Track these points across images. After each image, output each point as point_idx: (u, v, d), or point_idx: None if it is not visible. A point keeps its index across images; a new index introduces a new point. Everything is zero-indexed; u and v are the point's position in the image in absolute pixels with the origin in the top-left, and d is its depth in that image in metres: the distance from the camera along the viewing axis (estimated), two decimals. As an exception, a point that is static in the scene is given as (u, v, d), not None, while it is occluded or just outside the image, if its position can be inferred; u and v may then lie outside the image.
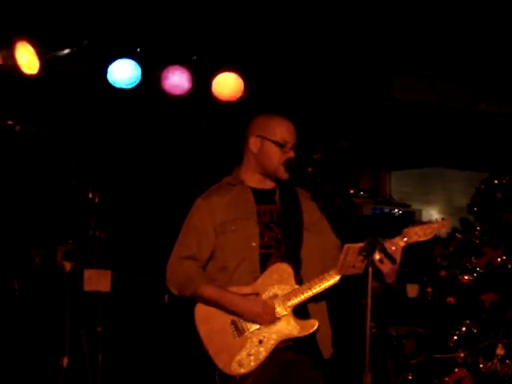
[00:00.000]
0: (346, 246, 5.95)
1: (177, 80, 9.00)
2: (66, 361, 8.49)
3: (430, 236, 6.16)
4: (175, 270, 6.06)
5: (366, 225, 6.15)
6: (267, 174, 6.12)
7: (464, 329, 9.21)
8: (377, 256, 5.77)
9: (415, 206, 10.15)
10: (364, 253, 5.73)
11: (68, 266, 8.67)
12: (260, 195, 6.14)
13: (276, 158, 6.01)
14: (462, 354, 9.10)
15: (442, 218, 6.35)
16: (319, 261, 6.16)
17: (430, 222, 6.31)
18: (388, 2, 9.03)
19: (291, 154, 6.04)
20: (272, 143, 6.02)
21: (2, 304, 9.05)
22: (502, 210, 9.51)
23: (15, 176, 9.14)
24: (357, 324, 6.40)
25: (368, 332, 5.70)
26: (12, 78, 8.83)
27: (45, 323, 8.91)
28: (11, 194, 9.12)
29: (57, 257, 8.77)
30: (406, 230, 6.05)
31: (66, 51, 8.78)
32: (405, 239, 6.05)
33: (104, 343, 8.87)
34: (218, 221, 6.05)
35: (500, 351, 9.01)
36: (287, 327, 5.96)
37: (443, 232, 6.44)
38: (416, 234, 6.08)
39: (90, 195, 8.63)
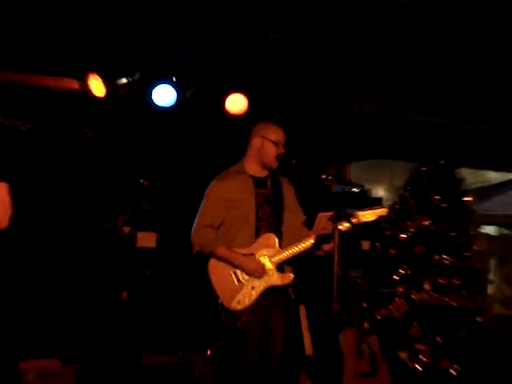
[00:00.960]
0: (320, 214, 6.18)
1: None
2: (124, 295, 8.58)
3: (373, 219, 6.32)
4: (198, 235, 6.26)
5: (333, 200, 6.34)
6: (264, 165, 6.35)
7: (402, 271, 9.33)
8: (342, 223, 5.99)
9: (367, 186, 10.20)
10: (332, 219, 5.88)
11: (126, 229, 8.79)
12: (257, 181, 6.38)
13: (272, 152, 6.27)
14: (401, 289, 9.24)
15: (378, 207, 6.49)
16: (294, 232, 6.37)
17: (375, 207, 6.43)
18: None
19: (282, 151, 6.21)
20: (270, 142, 6.23)
21: (81, 255, 9.18)
22: (427, 189, 9.63)
23: (93, 169, 9.22)
24: (326, 271, 6.48)
25: (335, 275, 5.89)
26: (87, 99, 8.82)
27: (110, 269, 9.00)
28: (90, 182, 9.22)
29: (118, 223, 8.83)
30: (357, 212, 6.20)
31: (124, 80, 8.85)
32: (355, 220, 6.15)
33: (152, 283, 8.97)
34: (227, 199, 6.28)
35: (427, 286, 9.17)
36: (272, 278, 6.21)
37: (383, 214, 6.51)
38: (364, 217, 6.22)
39: (142, 181, 8.69)
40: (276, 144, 6.29)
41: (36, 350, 7.21)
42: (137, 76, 8.90)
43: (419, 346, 9.13)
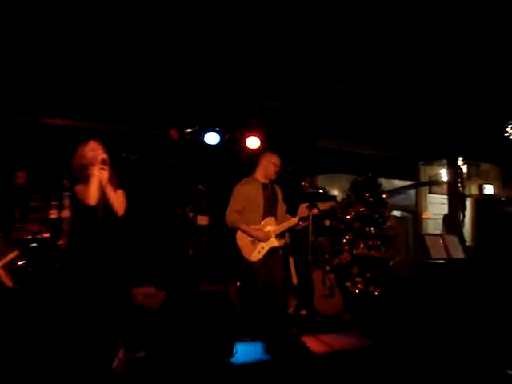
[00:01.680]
0: (301, 205, 6.26)
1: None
2: (191, 251, 8.52)
3: (328, 208, 6.40)
4: (229, 217, 6.34)
5: (308, 197, 6.36)
6: (267, 177, 6.36)
7: (347, 237, 9.28)
8: (313, 210, 6.03)
9: (328, 189, 10.13)
10: (308, 207, 5.93)
11: (191, 214, 8.74)
12: (263, 186, 6.36)
13: (273, 170, 6.28)
14: (347, 247, 9.20)
15: (332, 200, 6.60)
16: (282, 216, 6.43)
17: (329, 201, 6.57)
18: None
19: (279, 169, 6.23)
20: (272, 164, 6.23)
21: (165, 230, 9.15)
22: (362, 190, 9.59)
23: (173, 180, 9.20)
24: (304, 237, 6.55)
25: (310, 239, 5.92)
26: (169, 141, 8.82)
27: (182, 237, 8.93)
28: (171, 188, 9.21)
29: (187, 211, 8.79)
30: (320, 204, 6.29)
31: (189, 130, 8.84)
32: (321, 207, 6.35)
33: (206, 245, 8.94)
34: (246, 196, 6.34)
35: (361, 245, 9.15)
36: (273, 242, 6.15)
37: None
38: (322, 207, 6.24)
39: (200, 187, 8.65)
40: (275, 165, 6.36)
41: (140, 281, 7.18)
42: (196, 127, 8.91)
43: (357, 279, 9.09)
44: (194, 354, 5.24)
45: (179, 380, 4.87)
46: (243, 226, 6.23)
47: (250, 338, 6.07)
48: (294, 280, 7.77)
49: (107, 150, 5.35)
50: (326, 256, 8.92)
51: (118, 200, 5.30)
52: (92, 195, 5.16)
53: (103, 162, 5.20)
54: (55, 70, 7.43)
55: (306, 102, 8.66)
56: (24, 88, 7.84)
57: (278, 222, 6.34)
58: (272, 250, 6.26)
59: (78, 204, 5.29)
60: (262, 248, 6.19)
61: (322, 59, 7.21)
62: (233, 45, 6.86)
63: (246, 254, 6.21)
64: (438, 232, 12.27)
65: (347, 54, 7.06)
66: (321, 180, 11.35)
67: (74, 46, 6.80)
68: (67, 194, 6.86)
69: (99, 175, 5.16)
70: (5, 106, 8.20)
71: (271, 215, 6.33)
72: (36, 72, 7.47)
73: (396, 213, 13.37)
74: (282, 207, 6.50)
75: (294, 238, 6.85)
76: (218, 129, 8.71)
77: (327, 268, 8.20)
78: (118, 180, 5.38)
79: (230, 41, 6.76)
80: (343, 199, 9.82)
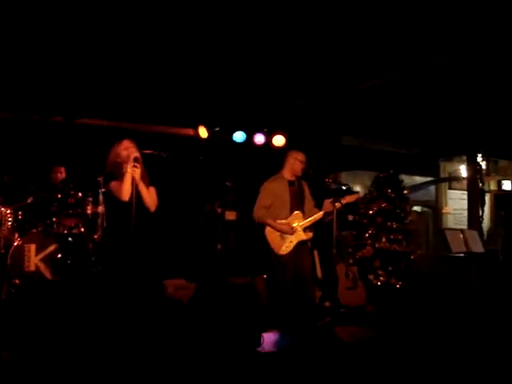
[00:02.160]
0: (325, 200, 6.27)
1: (259, 138, 9.05)
2: (219, 246, 8.55)
3: (353, 200, 6.31)
4: (257, 212, 6.39)
5: (332, 193, 6.38)
6: (293, 173, 6.35)
7: (370, 231, 9.27)
8: (336, 204, 6.04)
9: (351, 185, 10.15)
10: (332, 202, 5.94)
11: (219, 210, 8.76)
12: (290, 183, 6.38)
13: (299, 167, 6.24)
14: (369, 241, 9.18)
15: (355, 193, 6.65)
16: (310, 211, 6.35)
17: (353, 194, 6.59)
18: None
19: (304, 166, 6.23)
20: (298, 161, 6.23)
21: (196, 225, 9.21)
22: (384, 186, 9.55)
23: (202, 177, 9.21)
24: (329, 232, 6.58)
25: (334, 234, 5.92)
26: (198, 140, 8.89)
27: (211, 231, 9.00)
28: (200, 184, 9.23)
29: (215, 207, 8.82)
30: (345, 197, 6.30)
31: (217, 129, 8.86)
32: (344, 200, 6.20)
33: (233, 239, 8.95)
34: (273, 193, 6.36)
35: (383, 239, 9.10)
36: (301, 235, 6.14)
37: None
38: (347, 199, 6.24)
39: (228, 183, 8.66)
40: (301, 162, 6.37)
41: (171, 274, 7.22)
42: (224, 126, 8.94)
43: (379, 272, 9.08)
44: (224, 344, 5.29)
45: (209, 368, 4.90)
46: (270, 221, 6.27)
47: (278, 328, 6.11)
48: (319, 273, 7.80)
49: (140, 148, 5.44)
50: (350, 250, 8.89)
51: (150, 197, 5.38)
52: (125, 192, 5.24)
53: (136, 159, 5.29)
54: (88, 72, 7.48)
55: (329, 101, 8.63)
56: (59, 90, 7.90)
57: (306, 217, 6.37)
58: (300, 243, 6.29)
59: (112, 200, 5.37)
60: (291, 242, 6.24)
61: (346, 59, 7.17)
62: (257, 44, 6.79)
63: (275, 247, 6.26)
64: (458, 227, 12.21)
65: (369, 53, 6.99)
66: (344, 176, 11.31)
67: (105, 47, 6.82)
68: (102, 190, 6.98)
69: (132, 172, 5.25)
70: (39, 106, 8.26)
71: (298, 210, 6.35)
72: (70, 75, 7.53)
73: (417, 208, 13.33)
74: (309, 202, 6.52)
75: (318, 232, 6.80)
76: (244, 127, 8.74)
77: (350, 261, 8.18)
78: (149, 178, 5.45)
79: (254, 40, 6.69)
80: (365, 195, 9.79)
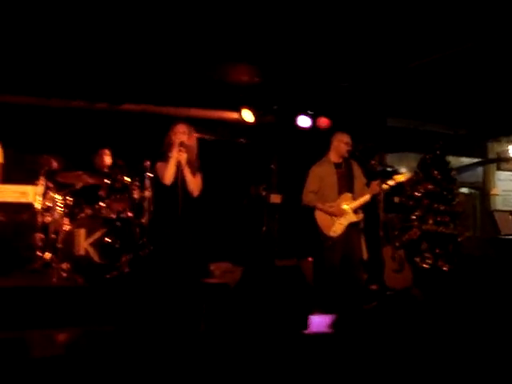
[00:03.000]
0: (372, 182, 6.17)
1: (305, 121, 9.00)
2: (264, 228, 8.52)
3: (403, 180, 6.23)
4: (306, 197, 6.39)
5: (378, 175, 6.32)
6: (339, 155, 6.29)
7: (416, 213, 9.23)
8: (383, 185, 5.99)
9: (396, 167, 10.02)
10: (378, 184, 5.89)
11: (264, 193, 8.73)
12: (336, 165, 6.33)
13: (344, 149, 6.20)
14: (416, 223, 9.09)
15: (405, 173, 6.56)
16: (360, 191, 6.28)
17: (403, 173, 6.50)
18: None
19: (350, 147, 6.18)
20: (343, 143, 6.17)
21: (241, 208, 9.21)
22: (430, 167, 9.42)
23: (247, 161, 9.22)
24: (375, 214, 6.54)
25: (381, 216, 5.89)
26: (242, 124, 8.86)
27: (256, 214, 8.96)
28: (245, 168, 9.25)
29: (260, 190, 8.79)
30: (394, 176, 6.24)
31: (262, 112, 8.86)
32: (392, 181, 6.21)
33: (278, 221, 8.92)
34: (321, 176, 6.31)
35: (430, 221, 8.99)
36: (351, 217, 6.12)
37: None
38: (398, 179, 6.18)
39: (272, 167, 8.62)
40: (346, 144, 6.33)
41: (217, 257, 7.25)
42: (275, 108, 8.88)
43: (426, 254, 9.00)
44: (271, 326, 5.29)
45: (256, 350, 4.90)
46: (319, 205, 6.33)
47: (325, 310, 6.09)
48: (365, 255, 7.74)
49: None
50: (396, 232, 8.81)
51: (194, 182, 5.42)
52: (168, 175, 5.31)
53: (181, 144, 5.32)
54: (131, 57, 7.57)
55: (375, 82, 8.52)
56: (103, 76, 8.00)
57: (357, 197, 6.38)
58: (351, 225, 6.27)
59: (158, 184, 5.42)
60: (341, 223, 6.26)
61: (392, 39, 7.06)
62: (301, 25, 6.78)
63: (325, 229, 6.32)
64: (507, 208, 11.96)
65: (416, 32, 6.88)
66: (389, 158, 11.17)
67: (148, 32, 6.90)
68: (148, 174, 7.05)
69: (177, 157, 5.29)
70: (84, 92, 8.36)
71: (347, 191, 6.33)
72: (115, 61, 7.62)
73: (464, 190, 13.08)
74: (359, 182, 6.50)
75: (364, 214, 6.74)
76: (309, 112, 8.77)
77: (397, 244, 8.09)
78: (199, 164, 5.49)
79: (299, 22, 6.68)
80: (411, 177, 9.65)
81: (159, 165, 5.42)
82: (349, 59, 7.78)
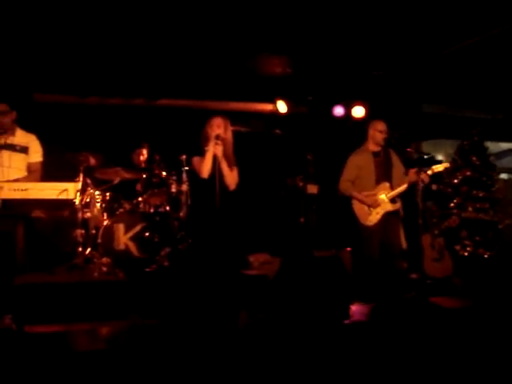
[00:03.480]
0: (409, 170, 6.12)
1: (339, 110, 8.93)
2: (302, 220, 8.48)
3: (441, 170, 6.18)
4: (342, 185, 6.36)
5: (415, 163, 6.26)
6: (376, 144, 6.24)
7: (455, 201, 9.07)
8: (423, 175, 5.93)
9: (433, 154, 9.91)
10: (416, 173, 5.83)
11: (301, 183, 8.66)
12: (374, 154, 6.30)
13: (379, 137, 6.16)
14: (455, 211, 8.98)
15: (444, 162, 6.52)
16: (399, 180, 6.20)
17: (443, 163, 6.44)
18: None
19: (385, 135, 6.13)
20: (378, 131, 6.12)
21: (278, 198, 9.20)
22: (468, 154, 9.29)
23: (282, 152, 9.18)
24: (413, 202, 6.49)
25: (420, 204, 5.83)
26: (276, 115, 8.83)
27: (293, 204, 8.89)
28: (281, 159, 9.21)
29: (297, 181, 8.73)
30: (433, 166, 6.20)
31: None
32: (430, 171, 6.32)
33: (315, 212, 8.82)
34: (358, 165, 6.30)
35: (470, 209, 8.88)
36: (388, 206, 6.18)
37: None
38: (437, 169, 6.12)
39: (308, 157, 8.55)
40: (381, 132, 6.29)
41: (255, 249, 7.25)
42: (310, 98, 8.83)
43: (466, 242, 8.89)
44: (311, 317, 5.27)
45: (297, 341, 4.89)
46: (355, 194, 6.32)
47: (365, 300, 6.06)
48: (404, 244, 7.68)
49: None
50: (434, 220, 8.72)
51: (231, 175, 5.44)
52: (205, 168, 5.33)
53: (217, 137, 5.35)
54: (166, 53, 7.62)
55: (409, 69, 8.41)
56: (140, 72, 8.05)
57: (395, 186, 6.32)
58: (388, 214, 6.23)
59: (195, 178, 5.44)
60: (377, 213, 6.26)
61: (426, 24, 6.97)
62: (334, 14, 6.77)
63: (361, 218, 6.33)
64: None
65: (451, 16, 6.77)
66: (425, 146, 11.04)
67: (181, 29, 6.96)
68: (185, 168, 7.08)
69: (214, 150, 5.31)
70: (122, 88, 8.45)
71: (385, 180, 6.29)
72: (151, 57, 7.68)
73: (503, 175, 12.85)
74: (398, 171, 6.46)
75: (402, 202, 6.68)
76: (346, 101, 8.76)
77: (436, 232, 7.98)
78: (235, 158, 5.50)
79: (331, 10, 6.66)
80: (450, 166, 9.53)
81: (196, 159, 5.46)
82: (382, 46, 7.70)
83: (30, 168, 5.24)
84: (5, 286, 4.88)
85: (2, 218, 4.67)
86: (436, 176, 6.82)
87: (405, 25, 7.03)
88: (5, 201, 4.62)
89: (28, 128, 5.39)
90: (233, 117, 7.20)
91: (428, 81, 9.10)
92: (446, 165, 6.64)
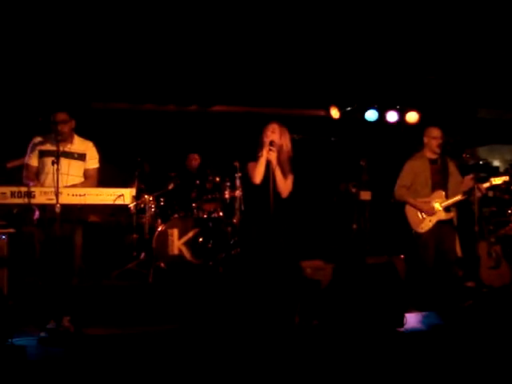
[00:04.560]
0: (466, 177, 6.01)
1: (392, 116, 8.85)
2: (355, 226, 8.43)
3: (501, 183, 6.28)
4: (398, 191, 6.29)
5: (471, 169, 6.17)
6: (432, 151, 6.14)
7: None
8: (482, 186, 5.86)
9: (489, 160, 9.73)
10: (473, 179, 5.76)
11: (354, 189, 8.63)
12: (431, 161, 6.23)
13: (434, 144, 6.06)
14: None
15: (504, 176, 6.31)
16: (455, 188, 6.10)
17: (501, 176, 6.30)
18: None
19: (440, 141, 6.03)
20: (432, 138, 6.03)
21: (331, 204, 9.17)
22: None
23: (334, 157, 9.15)
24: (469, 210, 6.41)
25: (476, 212, 5.71)
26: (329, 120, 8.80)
27: (346, 210, 8.89)
28: (333, 165, 9.18)
29: (349, 187, 8.69)
30: (491, 179, 6.11)
31: (349, 108, 8.79)
32: (488, 184, 6.17)
33: (368, 217, 8.78)
34: (414, 171, 6.23)
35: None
36: (441, 215, 6.08)
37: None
38: (495, 181, 6.09)
39: (362, 163, 8.51)
40: (436, 138, 6.20)
41: (308, 255, 7.22)
42: (355, 106, 8.82)
43: (525, 250, 8.68)
44: (366, 324, 5.23)
45: (351, 348, 4.87)
46: (410, 200, 6.23)
47: (419, 308, 5.98)
48: (459, 252, 7.55)
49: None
50: (491, 227, 8.51)
51: (284, 183, 5.42)
52: (257, 174, 5.36)
53: (271, 143, 5.35)
54: (219, 60, 7.70)
55: (464, 73, 8.27)
56: (193, 79, 8.15)
57: (451, 195, 6.20)
58: (442, 222, 6.13)
59: (247, 182, 5.47)
60: (430, 220, 6.16)
61: (481, 27, 6.86)
62: (387, 19, 6.74)
63: (414, 225, 6.24)
64: None
65: (505, 20, 6.66)
66: (480, 151, 10.83)
67: (231, 35, 7.03)
68: (239, 175, 7.12)
69: (267, 156, 5.31)
70: (175, 96, 8.57)
71: (440, 189, 6.19)
72: (204, 64, 7.78)
73: None
74: (454, 179, 6.33)
75: (458, 210, 6.57)
76: (376, 105, 8.62)
77: (492, 239, 7.80)
78: (291, 166, 5.50)
79: (383, 16, 6.65)
80: (506, 169, 9.31)
81: (251, 164, 5.47)
82: (436, 50, 7.61)
83: (86, 174, 5.31)
84: (63, 288, 4.99)
85: (62, 223, 4.75)
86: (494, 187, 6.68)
87: (459, 28, 6.95)
88: (64, 206, 4.71)
89: (85, 135, 5.49)
90: (287, 123, 7.24)
91: (483, 85, 8.94)
92: (506, 178, 6.39)
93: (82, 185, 5.15)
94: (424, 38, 7.22)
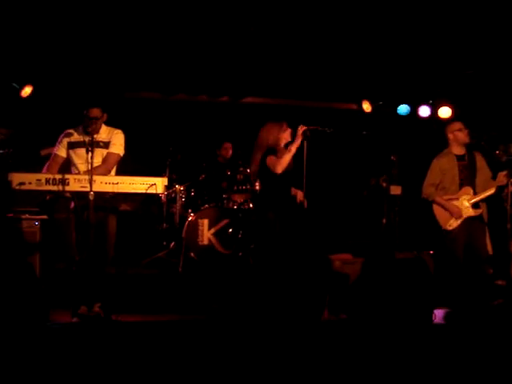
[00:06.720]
0: (499, 173, 5.96)
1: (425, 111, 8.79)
2: (384, 221, 8.39)
3: None
4: (426, 190, 6.33)
5: (505, 165, 6.09)
6: (460, 145, 6.19)
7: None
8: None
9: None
10: (507, 176, 5.68)
11: (384, 184, 8.54)
12: (458, 157, 6.23)
13: (460, 136, 6.06)
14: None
15: None
16: (483, 184, 6.07)
17: None
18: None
19: (466, 132, 6.22)
20: (455, 132, 6.05)
21: (361, 198, 9.13)
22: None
23: (366, 151, 9.15)
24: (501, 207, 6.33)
25: (509, 209, 5.66)
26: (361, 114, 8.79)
27: (375, 205, 8.82)
28: (363, 159, 9.19)
29: (380, 181, 8.62)
30: None
31: (381, 102, 8.77)
32: None
33: (398, 212, 8.70)
34: (442, 169, 6.19)
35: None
36: (469, 211, 6.04)
37: None
38: None
39: (392, 158, 8.47)
40: (460, 130, 6.24)
41: (337, 249, 7.20)
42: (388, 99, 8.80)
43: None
44: (395, 319, 5.23)
45: (379, 342, 4.86)
46: (438, 199, 6.20)
47: (448, 305, 5.94)
48: (490, 249, 7.47)
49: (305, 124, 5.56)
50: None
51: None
52: (285, 165, 5.45)
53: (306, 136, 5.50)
54: (259, 53, 7.74)
55: (499, 67, 8.13)
56: (225, 71, 8.19)
57: (479, 190, 6.15)
58: (471, 219, 6.08)
59: (269, 175, 5.60)
60: (457, 218, 6.08)
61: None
62: (421, 11, 6.65)
63: (442, 222, 6.21)
64: None
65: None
66: (514, 146, 10.64)
67: (264, 28, 7.06)
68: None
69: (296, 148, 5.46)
70: (207, 87, 8.64)
71: (468, 185, 6.14)
72: (250, 57, 7.86)
73: None
74: (483, 175, 6.26)
75: (489, 206, 6.49)
76: (409, 100, 8.57)
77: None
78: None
79: (417, 7, 6.57)
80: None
81: (271, 157, 5.63)
82: (473, 45, 7.51)
83: (104, 159, 5.22)
84: (96, 276, 5.06)
85: (96, 211, 4.81)
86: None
87: (495, 23, 6.85)
88: (97, 194, 4.75)
89: (118, 125, 5.48)
90: (318, 116, 7.24)
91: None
92: None
93: (95, 170, 4.96)
94: (459, 33, 7.13)
